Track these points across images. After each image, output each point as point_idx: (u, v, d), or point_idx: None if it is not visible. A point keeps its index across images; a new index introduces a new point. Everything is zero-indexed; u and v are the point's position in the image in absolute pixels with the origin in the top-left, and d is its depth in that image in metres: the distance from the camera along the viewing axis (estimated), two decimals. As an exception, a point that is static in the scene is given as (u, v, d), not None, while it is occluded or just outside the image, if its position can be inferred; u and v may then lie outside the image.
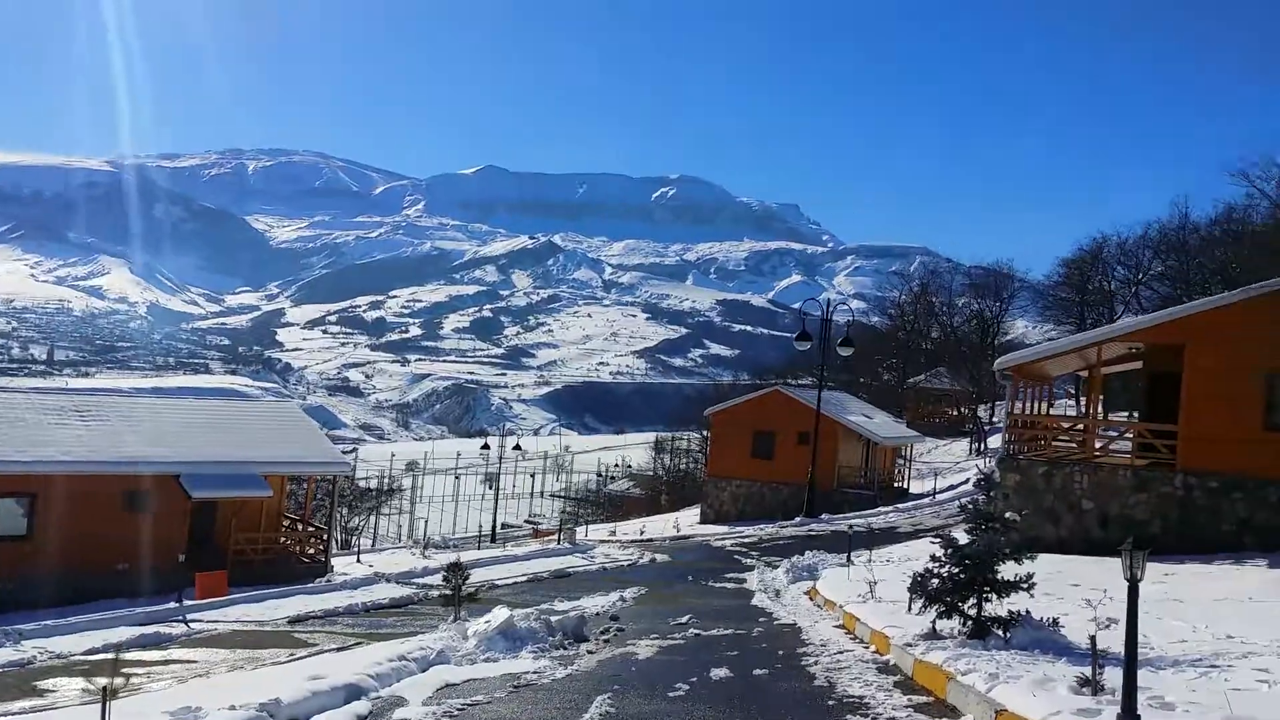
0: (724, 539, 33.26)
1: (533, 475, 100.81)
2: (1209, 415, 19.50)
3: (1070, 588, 14.06)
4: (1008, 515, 11.10)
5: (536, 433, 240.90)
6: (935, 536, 11.54)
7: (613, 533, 42.78)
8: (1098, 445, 22.06)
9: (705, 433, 58.37)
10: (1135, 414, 28.66)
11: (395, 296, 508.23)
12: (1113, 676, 7.41)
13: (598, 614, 16.41)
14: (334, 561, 31.47)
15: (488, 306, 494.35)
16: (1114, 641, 8.26)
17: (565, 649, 12.97)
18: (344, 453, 49.22)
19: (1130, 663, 6.93)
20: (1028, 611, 10.38)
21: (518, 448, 70.69)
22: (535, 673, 11.21)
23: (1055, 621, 10.38)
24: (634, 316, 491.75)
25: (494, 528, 49.54)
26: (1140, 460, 20.77)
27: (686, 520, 45.37)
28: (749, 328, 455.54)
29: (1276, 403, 19.22)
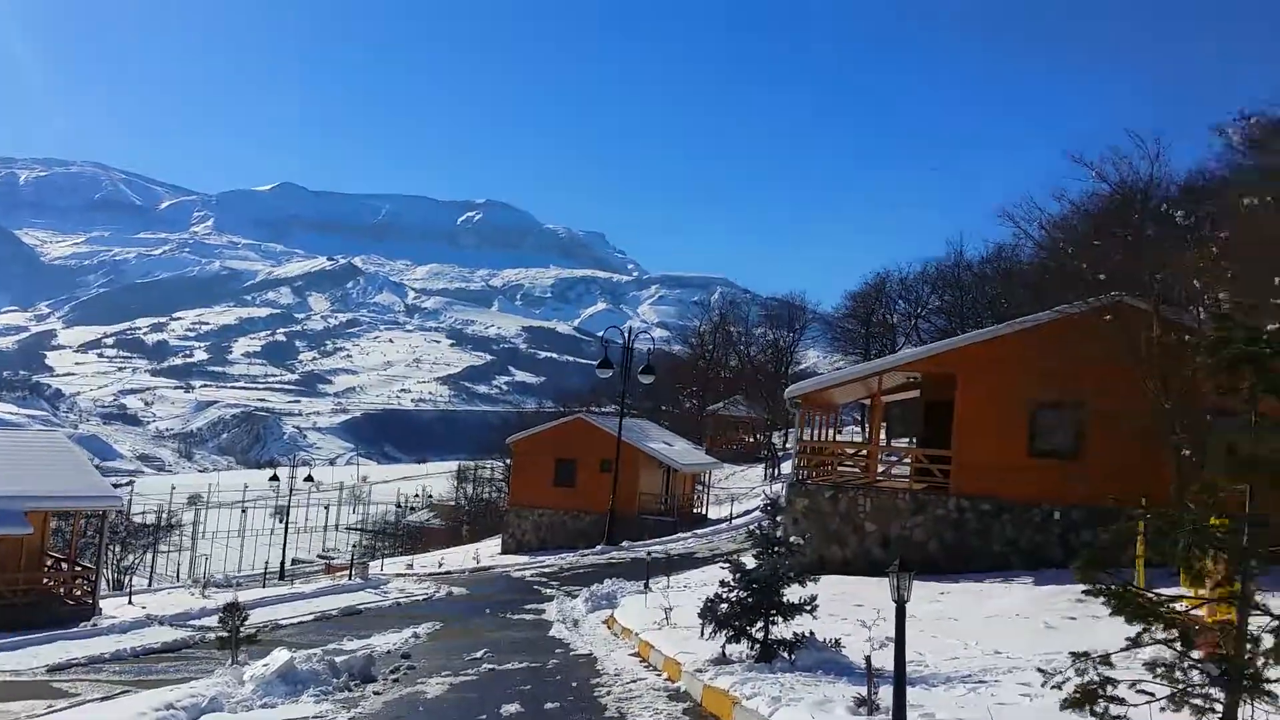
0: (525, 569, 33.02)
1: (327, 507, 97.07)
2: (979, 442, 20.73)
3: (854, 608, 14.60)
4: (793, 539, 11.42)
5: (333, 462, 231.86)
6: (727, 562, 11.73)
7: (410, 566, 41.74)
8: (879, 470, 23.11)
9: (508, 461, 57.81)
10: (914, 440, 30.32)
11: (180, 318, 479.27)
12: (888, 695, 7.66)
13: (388, 652, 15.89)
14: (103, 603, 29.28)
15: (281, 330, 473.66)
16: (891, 660, 8.57)
17: (350, 691, 12.44)
18: (118, 485, 46.00)
19: (899, 683, 7.21)
20: (812, 633, 10.66)
21: (310, 478, 67.72)
22: (316, 718, 10.69)
23: (838, 642, 10.71)
24: (438, 342, 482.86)
25: (283, 564, 47.17)
26: (918, 484, 21.90)
27: (488, 551, 44.78)
28: (555, 355, 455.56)
29: (1039, 431, 20.62)
